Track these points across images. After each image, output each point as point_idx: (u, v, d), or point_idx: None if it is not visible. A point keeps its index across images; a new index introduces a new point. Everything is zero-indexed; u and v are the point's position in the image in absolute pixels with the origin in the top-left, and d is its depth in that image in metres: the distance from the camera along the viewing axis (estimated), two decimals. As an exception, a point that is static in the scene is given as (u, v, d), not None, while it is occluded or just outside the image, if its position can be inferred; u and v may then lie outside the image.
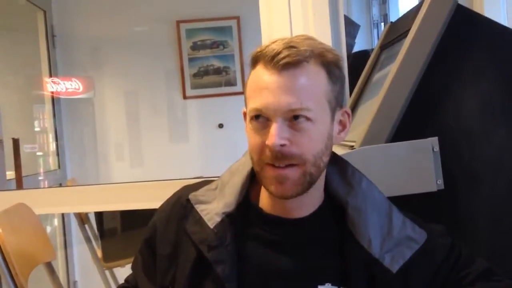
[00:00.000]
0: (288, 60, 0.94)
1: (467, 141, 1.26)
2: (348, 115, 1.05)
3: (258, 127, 0.97)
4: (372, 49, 2.15)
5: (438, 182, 1.23)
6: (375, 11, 4.10)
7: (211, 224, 1.03)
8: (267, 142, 0.94)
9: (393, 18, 3.67)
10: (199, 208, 1.06)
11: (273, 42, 0.98)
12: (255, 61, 1.00)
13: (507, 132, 1.26)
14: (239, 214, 1.05)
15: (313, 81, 0.96)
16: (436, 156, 1.23)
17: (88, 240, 2.96)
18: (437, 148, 1.23)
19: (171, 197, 1.14)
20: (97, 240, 3.03)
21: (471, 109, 1.26)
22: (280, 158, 0.95)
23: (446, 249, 1.05)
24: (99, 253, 2.95)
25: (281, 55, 0.95)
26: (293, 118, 0.94)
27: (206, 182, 1.13)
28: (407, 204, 1.10)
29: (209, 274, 1.00)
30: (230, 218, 1.04)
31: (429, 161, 1.23)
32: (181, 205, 1.09)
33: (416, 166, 1.23)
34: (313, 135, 0.96)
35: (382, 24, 4.04)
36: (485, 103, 1.26)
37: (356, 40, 2.64)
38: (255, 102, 0.96)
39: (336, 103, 1.01)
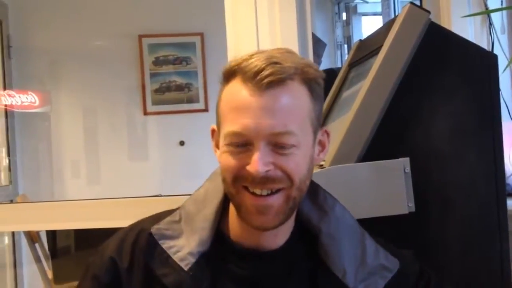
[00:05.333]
0: (273, 78, 0.86)
1: (438, 162, 1.22)
2: (328, 134, 0.99)
3: (236, 151, 0.88)
4: (338, 68, 2.13)
5: (409, 205, 1.19)
6: (339, 32, 4.14)
7: (185, 265, 0.92)
8: (249, 169, 0.86)
9: (356, 40, 3.70)
10: (165, 244, 0.94)
11: (252, 56, 0.89)
12: (230, 75, 0.90)
13: (478, 153, 1.23)
14: (214, 250, 0.95)
15: (297, 101, 0.89)
16: (407, 177, 1.19)
17: (38, 260, 2.82)
18: (408, 169, 1.19)
19: (127, 233, 0.99)
20: (48, 260, 2.88)
21: (442, 129, 1.23)
22: (265, 182, 0.87)
23: (415, 276, 1.01)
24: (50, 274, 2.81)
25: (265, 73, 0.86)
26: (278, 147, 0.87)
27: (167, 213, 1.01)
28: (377, 227, 1.06)
29: None
30: (206, 258, 0.93)
31: (400, 183, 1.19)
32: (145, 240, 0.96)
33: (387, 187, 1.19)
34: (298, 159, 0.88)
35: (346, 45, 4.08)
36: (457, 123, 1.23)
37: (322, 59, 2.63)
38: (234, 124, 0.87)
39: (318, 123, 0.94)
